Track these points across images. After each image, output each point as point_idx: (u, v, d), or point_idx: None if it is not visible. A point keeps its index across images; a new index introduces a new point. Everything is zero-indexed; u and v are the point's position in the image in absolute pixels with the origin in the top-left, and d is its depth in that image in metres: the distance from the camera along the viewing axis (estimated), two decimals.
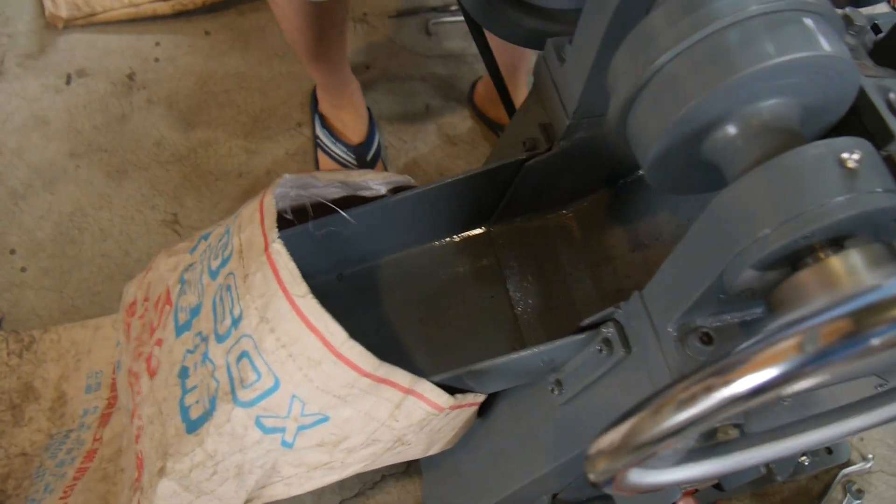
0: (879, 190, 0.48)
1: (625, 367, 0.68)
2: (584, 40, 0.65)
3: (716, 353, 0.60)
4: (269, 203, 0.62)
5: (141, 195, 1.37)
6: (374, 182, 0.75)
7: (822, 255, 0.50)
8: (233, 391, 0.61)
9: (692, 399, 0.42)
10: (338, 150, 1.37)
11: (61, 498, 0.95)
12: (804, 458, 1.22)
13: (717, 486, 0.81)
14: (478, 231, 0.86)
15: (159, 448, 0.66)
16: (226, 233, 0.66)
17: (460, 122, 1.55)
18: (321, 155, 1.40)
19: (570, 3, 0.78)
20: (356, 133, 1.38)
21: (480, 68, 1.62)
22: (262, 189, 0.71)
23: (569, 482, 0.96)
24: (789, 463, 1.16)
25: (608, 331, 0.69)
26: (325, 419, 0.61)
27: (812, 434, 0.60)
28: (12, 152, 1.40)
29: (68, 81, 1.50)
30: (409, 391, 0.63)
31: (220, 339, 0.62)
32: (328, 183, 0.73)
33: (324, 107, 1.41)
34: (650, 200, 0.83)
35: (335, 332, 0.57)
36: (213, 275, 0.65)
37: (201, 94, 1.50)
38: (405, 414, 0.65)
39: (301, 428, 0.61)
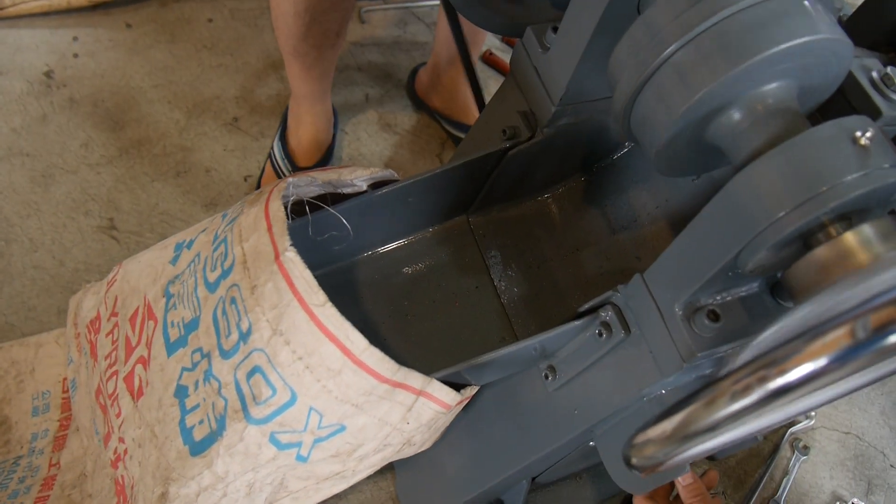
0: (887, 165, 0.50)
1: (623, 348, 0.70)
2: (575, 28, 0.65)
3: (723, 329, 0.61)
4: (277, 209, 0.59)
5: (72, 200, 1.28)
6: (359, 179, 0.72)
7: (833, 231, 0.51)
8: (244, 408, 0.57)
9: (746, 390, 0.43)
10: (283, 166, 1.32)
11: None
12: None
13: (711, 457, 0.84)
14: (457, 222, 0.85)
15: (157, 472, 0.62)
16: (222, 242, 0.62)
17: (401, 111, 1.53)
18: (268, 164, 1.35)
19: None
20: (307, 156, 1.34)
21: (418, 56, 1.60)
22: (261, 192, 0.67)
23: (550, 466, 0.98)
24: None
25: (606, 314, 0.69)
26: (342, 429, 0.59)
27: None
28: None
29: None
30: (420, 392, 0.61)
31: (225, 354, 0.58)
32: (320, 184, 0.70)
33: (290, 117, 1.35)
34: (625, 183, 0.85)
35: (356, 339, 0.55)
36: (212, 287, 0.61)
37: (128, 90, 1.42)
38: (415, 416, 0.63)
39: (317, 441, 0.58)
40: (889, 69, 0.61)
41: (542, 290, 0.83)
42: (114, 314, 0.76)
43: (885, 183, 0.49)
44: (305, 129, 1.33)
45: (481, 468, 0.93)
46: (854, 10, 0.72)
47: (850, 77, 0.60)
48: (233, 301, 0.59)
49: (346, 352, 0.55)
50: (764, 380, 0.42)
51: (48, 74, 1.41)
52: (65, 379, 1.04)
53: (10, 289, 1.19)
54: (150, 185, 1.32)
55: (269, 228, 0.58)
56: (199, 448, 0.60)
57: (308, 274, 0.55)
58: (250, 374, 0.57)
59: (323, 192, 0.74)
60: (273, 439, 0.58)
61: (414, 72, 1.52)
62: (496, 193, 0.82)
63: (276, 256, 0.56)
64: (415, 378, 0.60)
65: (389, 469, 1.15)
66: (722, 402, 0.44)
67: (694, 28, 0.54)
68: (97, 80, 1.42)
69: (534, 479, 1.04)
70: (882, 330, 0.39)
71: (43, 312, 1.17)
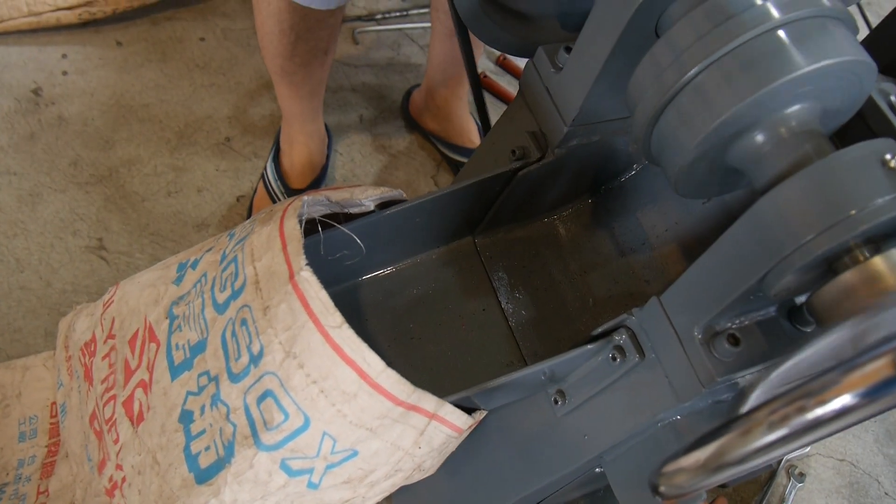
0: None
1: (637, 372, 0.68)
2: (590, 48, 0.65)
3: (742, 354, 0.60)
4: (292, 227, 0.57)
5: (60, 220, 1.25)
6: (368, 199, 0.71)
7: (860, 255, 0.51)
8: (254, 434, 0.55)
9: (783, 420, 0.41)
10: (276, 188, 1.30)
11: None
12: None
13: (723, 486, 0.82)
14: (464, 243, 0.84)
15: (160, 501, 0.60)
16: (231, 261, 0.60)
17: (395, 132, 1.52)
18: (260, 185, 1.33)
19: (553, 11, 0.78)
20: (300, 178, 1.32)
21: (411, 78, 1.60)
22: (278, 209, 0.65)
23: (552, 493, 0.96)
24: None
25: (620, 338, 0.68)
26: (355, 454, 0.57)
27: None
28: None
29: None
30: (433, 416, 0.60)
31: (235, 378, 0.56)
32: (330, 203, 0.68)
33: (282, 140, 1.34)
34: (633, 205, 0.84)
35: (373, 362, 0.53)
36: (221, 308, 0.59)
37: (118, 109, 1.40)
38: (427, 440, 0.62)
39: (329, 467, 0.56)
40: None
41: (550, 312, 0.82)
42: (111, 336, 0.74)
43: None
44: (298, 151, 1.31)
45: (480, 495, 0.91)
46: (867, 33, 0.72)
47: (869, 100, 0.60)
48: (243, 322, 0.57)
49: (362, 374, 0.53)
50: (802, 410, 0.41)
51: (36, 92, 1.39)
52: (53, 403, 1.01)
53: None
54: (140, 204, 1.30)
55: (284, 247, 0.56)
56: (205, 476, 0.57)
57: (324, 294, 0.54)
58: (261, 398, 0.55)
59: (332, 211, 0.72)
60: (284, 466, 0.56)
61: (408, 94, 1.51)
62: (504, 214, 0.81)
63: (291, 276, 0.54)
64: (428, 401, 0.58)
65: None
66: (758, 432, 0.43)
67: (717, 50, 0.53)
68: (87, 98, 1.39)
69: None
70: None
71: (29, 334, 1.13)
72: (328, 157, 1.39)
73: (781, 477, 1.33)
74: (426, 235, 0.80)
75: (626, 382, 0.69)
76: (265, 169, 1.33)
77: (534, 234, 0.84)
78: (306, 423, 0.55)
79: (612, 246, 0.83)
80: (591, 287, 0.83)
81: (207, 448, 0.58)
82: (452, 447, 0.68)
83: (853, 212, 0.49)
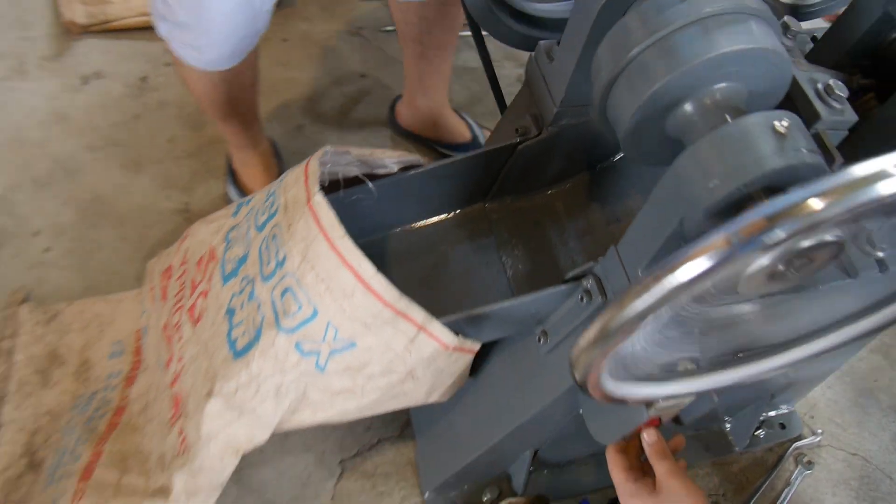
0: (804, 150, 0.62)
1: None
2: (571, 40, 0.79)
3: None
4: (314, 167, 0.75)
5: (156, 186, 1.48)
6: (390, 160, 0.88)
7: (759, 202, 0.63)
8: (277, 320, 0.72)
9: (646, 289, 0.54)
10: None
11: (96, 446, 1.05)
12: (759, 431, 1.35)
13: (677, 421, 0.93)
14: (476, 207, 0.99)
15: (206, 376, 0.78)
16: (271, 194, 0.78)
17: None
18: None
19: (556, 12, 0.93)
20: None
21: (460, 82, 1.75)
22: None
23: (549, 434, 1.08)
24: (745, 434, 1.29)
25: (588, 282, 0.82)
26: (353, 345, 0.73)
27: (744, 369, 0.74)
28: (34, 144, 1.50)
29: (85, 82, 1.61)
30: (421, 328, 0.75)
31: (265, 279, 0.74)
32: (354, 159, 0.85)
33: (235, 164, 1.46)
34: (623, 183, 0.97)
35: (366, 267, 0.69)
36: (260, 228, 0.77)
37: None
38: (417, 348, 0.77)
39: (332, 352, 0.72)
40: (832, 81, 0.72)
41: (544, 268, 0.96)
42: (183, 262, 0.93)
43: (798, 161, 0.61)
44: (252, 172, 1.42)
45: (485, 428, 1.06)
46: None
47: (797, 85, 0.72)
48: (274, 237, 0.74)
49: (358, 277, 0.69)
50: (658, 279, 0.53)
51: (143, 80, 1.63)
52: (139, 330, 1.22)
53: (100, 256, 1.38)
54: (222, 177, 1.51)
55: (306, 181, 0.73)
56: (240, 354, 0.75)
57: (331, 213, 0.70)
58: (283, 293, 0.72)
59: (362, 171, 0.89)
60: (297, 347, 0.73)
61: (392, 107, 1.62)
62: (509, 184, 0.96)
63: (308, 200, 0.71)
64: (416, 311, 0.74)
65: (410, 437, 1.28)
66: (630, 301, 0.55)
67: (656, 33, 0.67)
68: (184, 87, 1.62)
69: (536, 453, 1.15)
70: (748, 237, 0.49)
71: (125, 277, 1.35)
72: (281, 164, 1.49)
73: (789, 463, 1.39)
74: (442, 198, 0.96)
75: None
76: (227, 193, 1.46)
77: (536, 204, 0.99)
78: (315, 314, 0.71)
79: (602, 217, 0.97)
80: (580, 250, 0.96)
81: (244, 333, 0.76)
82: (441, 364, 0.83)
83: (746, 163, 0.61)
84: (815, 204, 0.46)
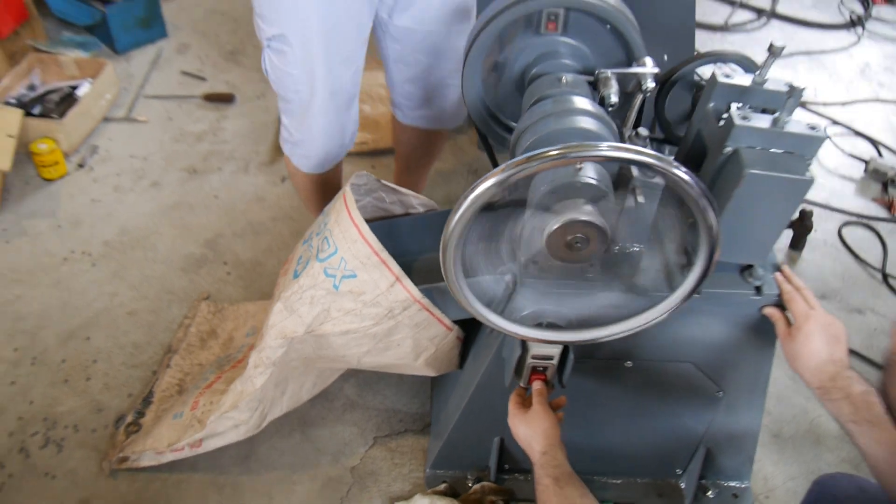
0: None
1: None
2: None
3: None
4: (349, 193, 1.31)
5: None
6: (416, 202, 1.45)
7: None
8: (317, 255, 1.28)
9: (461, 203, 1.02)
10: None
11: (218, 375, 1.63)
12: (710, 491, 1.60)
13: (552, 384, 1.29)
14: None
15: (279, 294, 1.34)
16: (323, 215, 1.38)
17: None
18: None
19: None
20: None
21: None
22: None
23: (497, 416, 1.48)
24: (692, 488, 1.56)
25: None
26: (355, 275, 1.25)
27: (590, 332, 1.16)
28: (239, 212, 2.26)
29: (283, 181, 2.38)
30: (397, 278, 1.26)
31: (317, 234, 1.31)
32: (396, 199, 1.44)
33: None
34: None
35: (364, 226, 1.23)
36: (318, 234, 1.35)
37: None
38: (394, 294, 1.27)
39: (343, 277, 1.25)
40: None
41: None
42: (288, 262, 1.53)
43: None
44: None
45: (455, 407, 1.51)
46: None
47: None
48: (324, 213, 1.32)
49: (359, 231, 1.23)
50: (467, 196, 1.03)
51: None
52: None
53: (260, 283, 2.05)
54: None
55: (344, 197, 1.30)
56: (296, 275, 1.31)
57: (352, 197, 1.27)
58: (323, 240, 1.28)
59: (400, 209, 1.47)
60: (325, 271, 1.26)
61: None
62: None
63: (344, 194, 1.29)
64: (393, 265, 1.25)
65: (429, 433, 1.70)
66: (456, 213, 1.05)
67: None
68: None
69: (503, 442, 1.54)
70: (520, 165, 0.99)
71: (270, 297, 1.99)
72: None
73: None
74: None
75: None
76: None
77: None
78: (336, 251, 1.27)
79: None
80: None
81: (301, 264, 1.33)
82: (416, 318, 1.31)
83: None
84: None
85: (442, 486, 1.58)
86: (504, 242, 1.15)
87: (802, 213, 1.52)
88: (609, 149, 0.96)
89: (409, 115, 1.82)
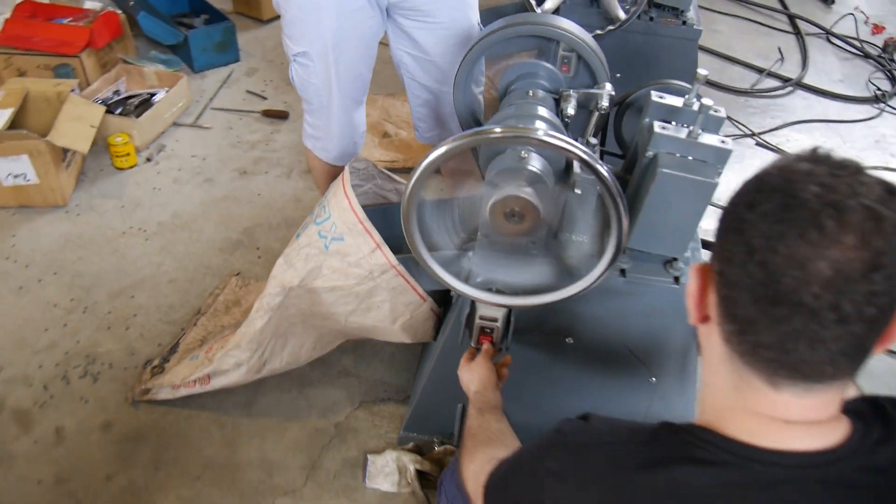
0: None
1: None
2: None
3: None
4: (346, 171, 1.60)
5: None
6: None
7: None
8: (315, 219, 1.55)
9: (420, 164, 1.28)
10: None
11: (231, 333, 1.91)
12: None
13: (498, 345, 1.51)
14: None
15: (288, 251, 1.62)
16: (324, 198, 1.66)
17: None
18: None
19: None
20: None
21: None
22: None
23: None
24: None
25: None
26: (343, 239, 1.51)
27: (501, 298, 1.38)
28: (276, 209, 2.57)
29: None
30: (378, 245, 1.51)
31: (319, 205, 1.59)
32: (393, 188, 1.71)
33: None
34: None
35: (354, 199, 1.50)
36: (319, 205, 1.62)
37: None
38: (376, 259, 1.52)
39: (333, 239, 1.51)
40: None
41: None
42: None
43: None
44: None
45: (425, 373, 1.73)
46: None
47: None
48: (324, 199, 1.61)
49: (350, 202, 1.49)
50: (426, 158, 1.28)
51: None
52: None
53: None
54: None
55: (342, 180, 1.57)
56: (297, 236, 1.58)
57: (348, 175, 1.54)
58: (321, 209, 1.55)
59: (397, 198, 1.74)
60: (319, 233, 1.53)
61: None
62: None
63: (342, 178, 1.56)
64: (375, 233, 1.51)
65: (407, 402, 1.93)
66: (414, 176, 1.30)
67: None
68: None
69: (464, 410, 1.76)
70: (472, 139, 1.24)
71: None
72: None
73: None
74: None
75: None
76: None
77: None
78: (329, 216, 1.54)
79: None
80: None
81: (303, 230, 1.60)
82: (392, 282, 1.56)
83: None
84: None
85: (410, 445, 1.80)
86: (457, 213, 1.42)
87: None
88: (544, 135, 1.20)
89: (424, 136, 2.12)
